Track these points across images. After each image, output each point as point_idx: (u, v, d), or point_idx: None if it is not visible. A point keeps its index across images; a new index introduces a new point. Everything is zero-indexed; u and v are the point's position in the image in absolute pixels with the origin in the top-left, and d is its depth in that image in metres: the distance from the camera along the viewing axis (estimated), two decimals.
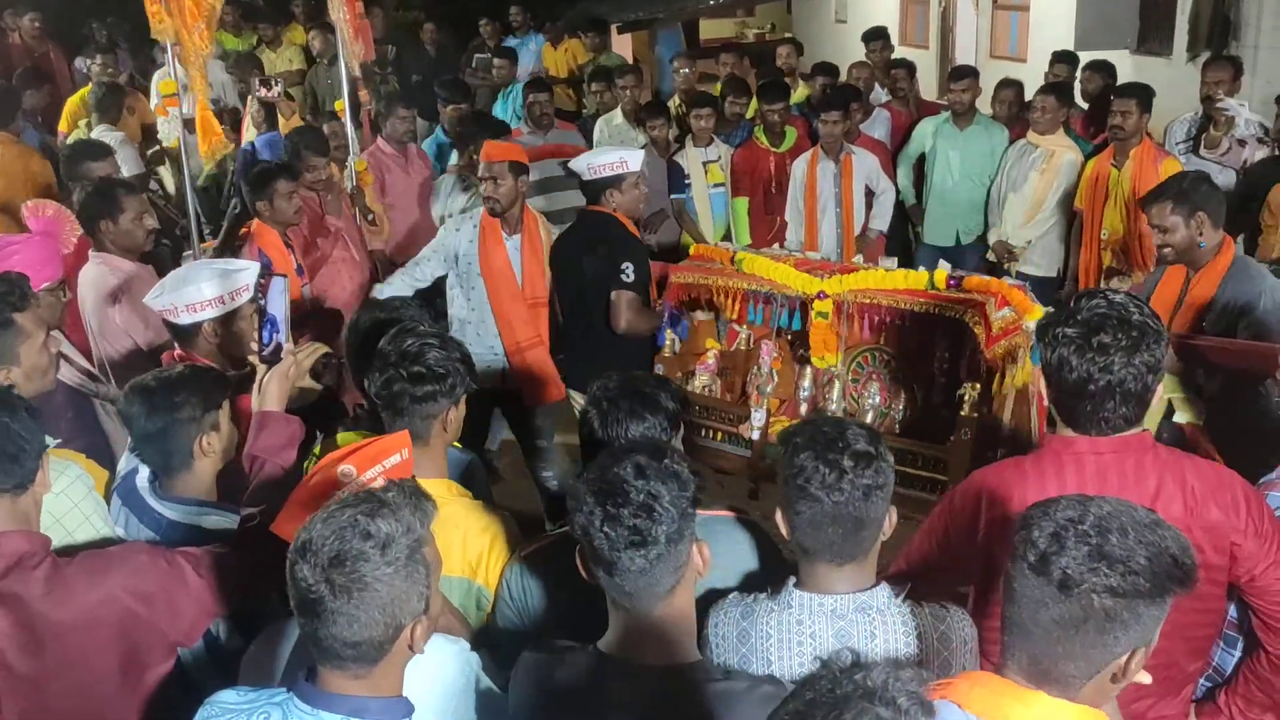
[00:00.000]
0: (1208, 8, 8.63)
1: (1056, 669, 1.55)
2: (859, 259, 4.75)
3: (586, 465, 1.89)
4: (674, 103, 7.50)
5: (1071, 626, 1.51)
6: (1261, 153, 5.57)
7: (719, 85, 7.62)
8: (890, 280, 4.06)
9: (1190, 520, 2.05)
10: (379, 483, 1.93)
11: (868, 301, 4.06)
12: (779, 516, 2.04)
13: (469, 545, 2.37)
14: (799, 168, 6.05)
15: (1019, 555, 1.56)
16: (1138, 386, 2.03)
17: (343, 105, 5.72)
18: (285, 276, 2.83)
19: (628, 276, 4.20)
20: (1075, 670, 1.54)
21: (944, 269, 4.08)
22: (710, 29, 16.63)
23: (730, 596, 2.11)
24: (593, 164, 4.33)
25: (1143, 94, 5.43)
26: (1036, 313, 3.62)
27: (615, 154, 4.36)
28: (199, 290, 3.05)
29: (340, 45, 5.66)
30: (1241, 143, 5.62)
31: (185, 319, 3.09)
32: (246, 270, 3.18)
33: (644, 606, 1.80)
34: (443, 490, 2.39)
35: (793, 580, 2.04)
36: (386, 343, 2.47)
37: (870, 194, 6.14)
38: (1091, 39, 9.40)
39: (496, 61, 8.46)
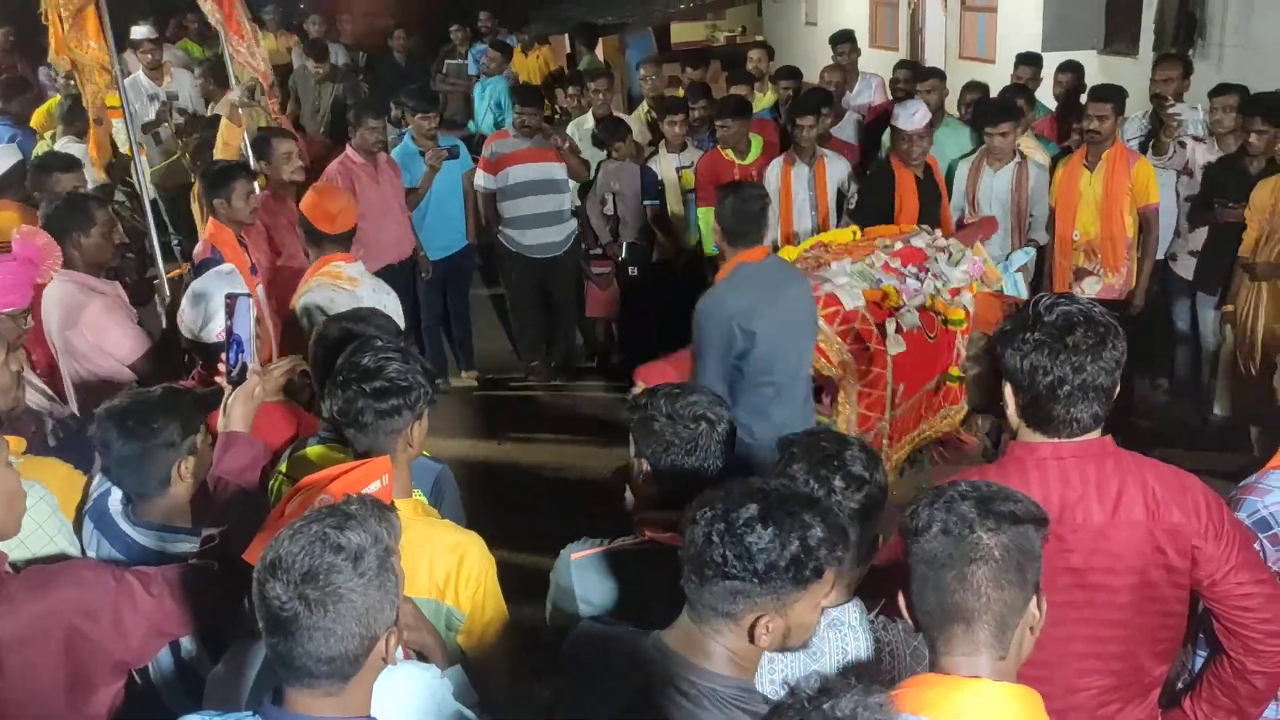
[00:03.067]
0: (1173, 7, 8.71)
1: (991, 629, 1.62)
2: None
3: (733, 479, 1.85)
4: (643, 108, 7.51)
5: (982, 563, 1.60)
6: (1201, 150, 5.66)
7: (680, 90, 7.64)
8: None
9: (1152, 523, 2.07)
10: None
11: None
12: None
13: (436, 566, 2.34)
14: (772, 172, 6.06)
15: (925, 531, 1.63)
16: (1107, 382, 2.07)
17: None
18: (250, 296, 2.81)
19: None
20: (1008, 620, 1.63)
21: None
22: (681, 32, 16.63)
23: None
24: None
25: (1118, 97, 5.49)
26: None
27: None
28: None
29: (225, 49, 5.68)
30: (1182, 144, 5.71)
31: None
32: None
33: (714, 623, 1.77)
34: (408, 510, 2.35)
35: None
36: (345, 359, 2.43)
37: (842, 196, 6.16)
38: (1058, 39, 9.46)
39: (490, 53, 8.46)
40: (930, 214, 5.65)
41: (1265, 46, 8.01)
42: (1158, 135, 5.63)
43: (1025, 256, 5.70)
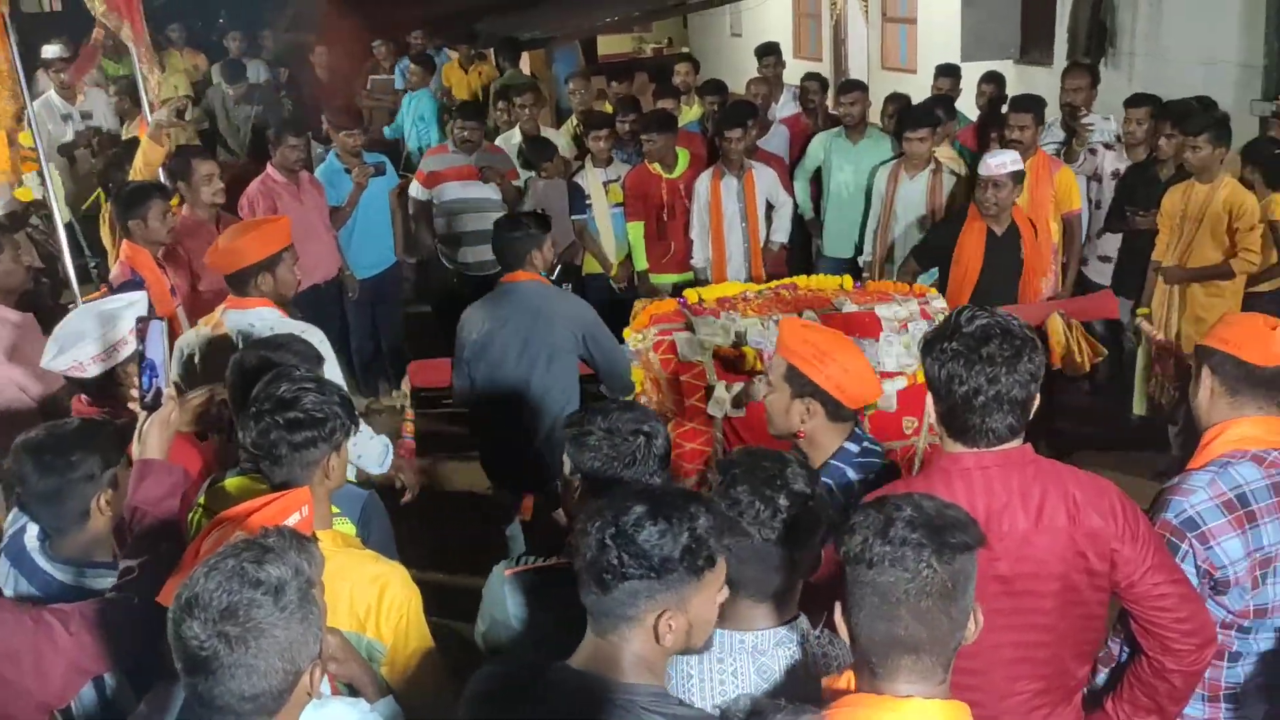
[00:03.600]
0: (1085, 18, 8.96)
1: (938, 656, 1.63)
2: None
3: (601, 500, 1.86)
4: (571, 122, 7.51)
5: (934, 596, 1.60)
6: (1111, 157, 5.83)
7: (607, 104, 7.66)
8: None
9: (1074, 529, 2.11)
10: None
11: None
12: None
13: (356, 598, 2.30)
14: (701, 186, 6.09)
15: (878, 564, 1.61)
16: (1022, 395, 2.10)
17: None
18: (164, 320, 2.74)
19: None
20: (952, 644, 1.64)
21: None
22: (608, 44, 16.69)
23: None
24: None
25: (1038, 107, 5.63)
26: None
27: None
28: (97, 341, 2.94)
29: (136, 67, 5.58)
30: (1092, 151, 5.89)
31: (96, 369, 2.98)
32: (135, 304, 3.08)
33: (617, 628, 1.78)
34: (327, 541, 2.30)
35: None
36: (260, 389, 2.38)
37: (770, 208, 6.21)
38: (976, 50, 9.68)
39: (411, 67, 8.38)
40: (1000, 277, 5.02)
41: (1173, 56, 8.27)
42: (1070, 143, 5.78)
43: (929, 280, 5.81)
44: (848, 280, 4.90)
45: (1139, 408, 5.54)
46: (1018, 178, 5.01)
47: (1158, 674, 2.22)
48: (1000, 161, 4.97)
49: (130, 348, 2.99)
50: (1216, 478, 2.34)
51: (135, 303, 3.08)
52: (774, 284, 4.96)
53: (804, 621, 2.07)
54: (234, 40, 10.60)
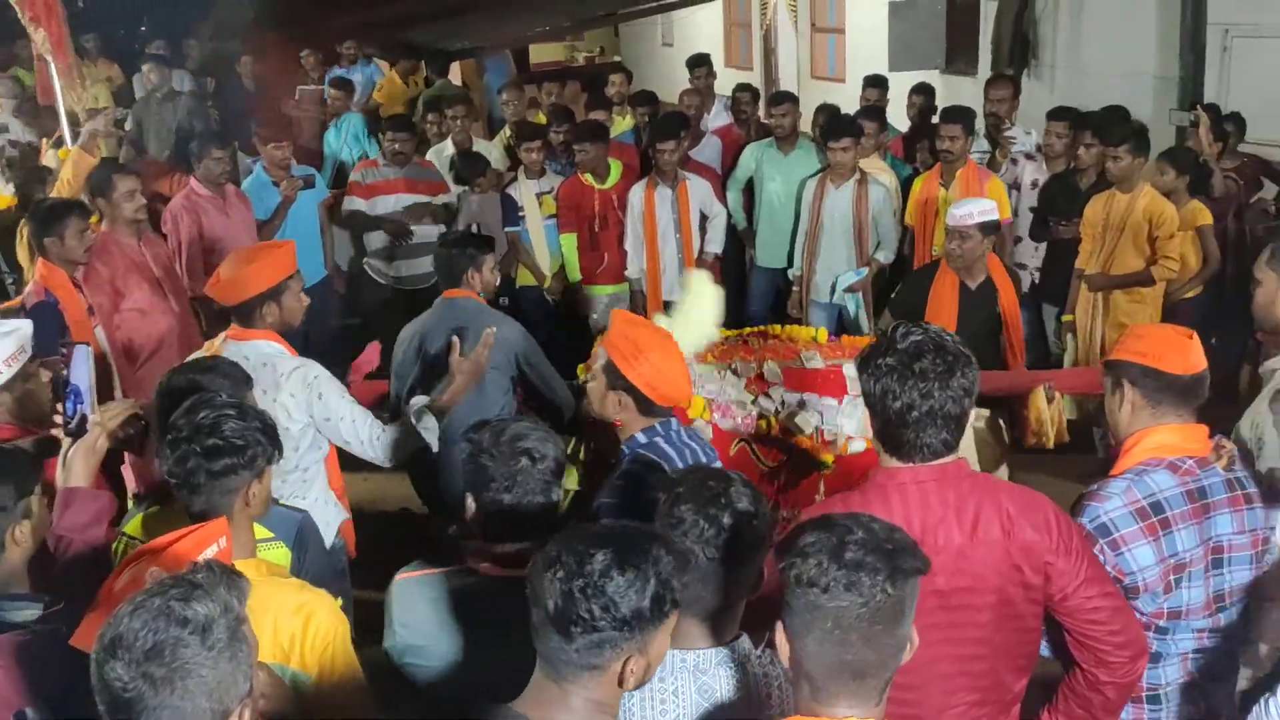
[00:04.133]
0: (1008, 30, 9.16)
1: (881, 679, 1.64)
2: None
3: (564, 531, 1.81)
4: (504, 133, 7.46)
5: (885, 620, 1.60)
6: (1031, 167, 5.96)
7: (540, 114, 7.63)
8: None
9: (1008, 543, 2.14)
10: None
11: None
12: None
13: (280, 628, 2.25)
14: (635, 196, 6.09)
15: (831, 589, 1.60)
16: (956, 410, 2.12)
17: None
18: (89, 345, 2.66)
19: None
20: (894, 666, 1.65)
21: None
22: (540, 53, 16.67)
23: None
24: None
25: (967, 118, 5.73)
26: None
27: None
28: None
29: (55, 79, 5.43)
30: (1014, 161, 6.02)
31: None
32: (14, 333, 2.95)
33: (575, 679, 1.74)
34: (250, 571, 2.24)
35: None
36: (179, 416, 2.33)
37: (705, 218, 6.23)
38: (903, 60, 9.85)
39: (331, 92, 8.24)
40: (978, 334, 4.49)
41: (1093, 68, 8.49)
42: (994, 155, 5.89)
43: (856, 276, 5.89)
44: (822, 333, 4.57)
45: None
46: (987, 229, 4.55)
47: (1092, 686, 2.26)
48: (966, 211, 4.52)
49: (20, 362, 2.89)
50: (1132, 485, 2.39)
51: (16, 329, 2.95)
52: (746, 330, 4.72)
53: (745, 641, 2.06)
54: (158, 49, 10.35)
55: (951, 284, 4.67)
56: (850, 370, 4.02)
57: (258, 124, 6.57)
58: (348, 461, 3.84)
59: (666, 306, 5.61)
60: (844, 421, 3.87)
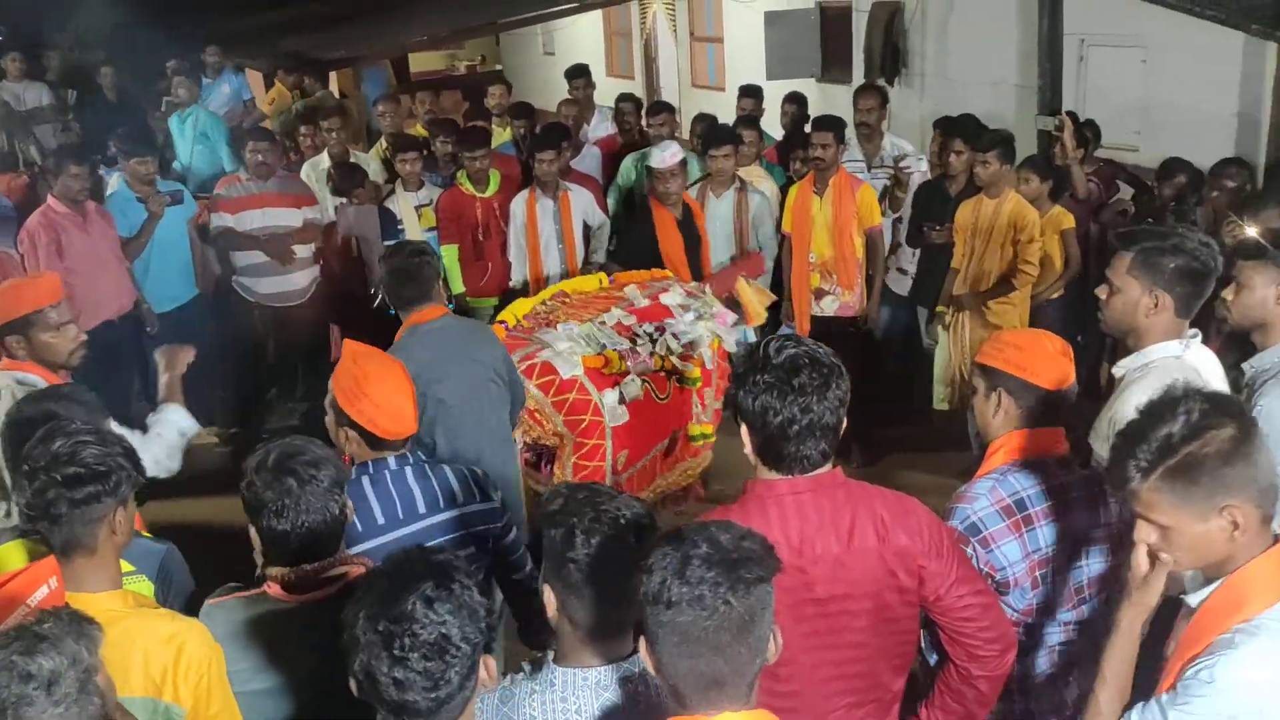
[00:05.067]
0: (878, 40, 9.43)
1: (743, 682, 1.65)
2: None
3: (363, 586, 1.73)
4: (380, 145, 7.34)
5: (732, 630, 1.61)
6: (918, 177, 6.14)
7: (419, 126, 7.54)
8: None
9: (883, 548, 2.18)
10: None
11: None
12: (545, 591, 1.99)
13: (151, 661, 2.16)
14: (518, 207, 6.05)
15: (675, 605, 1.61)
16: (834, 420, 2.15)
17: None
18: None
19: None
20: (755, 668, 1.66)
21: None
22: (420, 62, 16.49)
23: None
24: None
25: (838, 127, 5.84)
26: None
27: None
28: None
29: None
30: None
31: None
32: None
33: None
34: (117, 603, 2.19)
35: (551, 655, 1.99)
36: (34, 446, 2.23)
37: (588, 228, 6.23)
38: (780, 69, 10.04)
39: (176, 80, 7.94)
40: (692, 256, 5.69)
41: (960, 77, 8.79)
42: (893, 191, 6.02)
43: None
44: (602, 277, 5.42)
45: (940, 403, 5.83)
46: (684, 165, 5.66)
47: (965, 680, 2.32)
48: (671, 154, 5.56)
49: None
50: (997, 484, 2.47)
51: None
52: (545, 294, 5.21)
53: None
54: (13, 62, 9.87)
55: (669, 220, 5.67)
56: (667, 296, 5.12)
57: (120, 137, 6.30)
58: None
59: None
60: (692, 330, 4.95)
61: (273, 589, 2.25)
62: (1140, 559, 1.98)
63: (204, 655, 2.21)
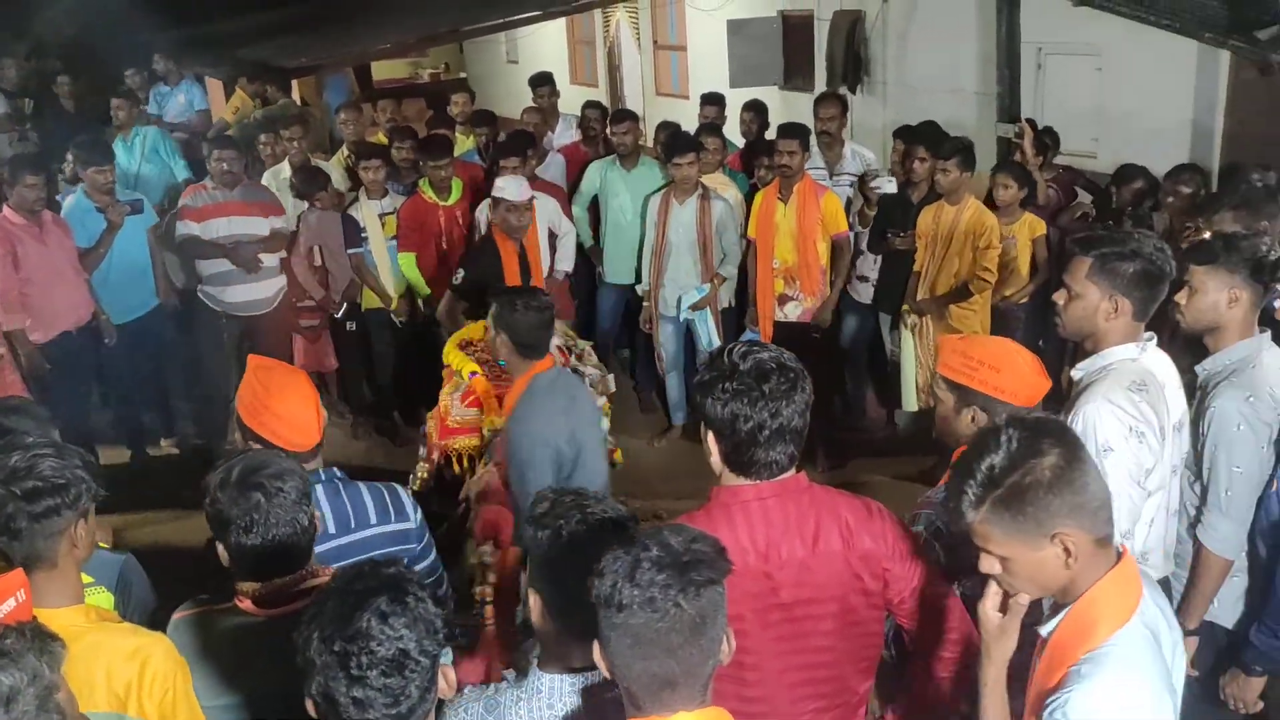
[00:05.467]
0: (840, 49, 9.50)
1: (696, 684, 1.66)
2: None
3: (313, 606, 1.69)
4: (342, 153, 7.30)
5: (684, 632, 1.62)
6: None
7: (381, 134, 7.50)
8: None
9: (848, 552, 2.20)
10: None
11: None
12: (531, 596, 1.99)
13: (114, 676, 2.14)
14: (482, 215, 6.04)
15: (627, 607, 1.62)
16: (800, 424, 2.17)
17: None
18: None
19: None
20: (708, 669, 1.67)
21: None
22: (383, 70, 16.42)
23: (467, 690, 2.02)
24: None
25: (804, 134, 5.89)
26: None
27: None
28: None
29: None
30: (853, 184, 6.26)
31: None
32: None
33: None
34: (79, 618, 2.17)
35: (535, 662, 1.99)
36: None
37: (554, 236, 6.23)
38: (744, 77, 10.09)
39: (114, 102, 7.83)
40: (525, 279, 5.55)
41: (921, 85, 8.88)
42: (863, 210, 6.07)
43: (699, 294, 6.02)
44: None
45: (909, 404, 5.87)
46: (531, 203, 5.52)
47: (931, 680, 2.34)
48: (523, 189, 5.40)
49: None
50: None
51: None
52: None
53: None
54: None
55: (512, 250, 5.47)
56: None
57: (79, 147, 6.22)
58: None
59: None
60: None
61: (243, 603, 2.24)
62: (989, 613, 1.97)
63: (169, 670, 2.19)
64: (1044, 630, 1.91)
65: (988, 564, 1.88)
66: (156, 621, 2.51)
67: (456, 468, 4.68)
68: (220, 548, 2.25)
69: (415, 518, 2.85)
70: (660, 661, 1.63)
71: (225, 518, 2.19)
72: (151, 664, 2.18)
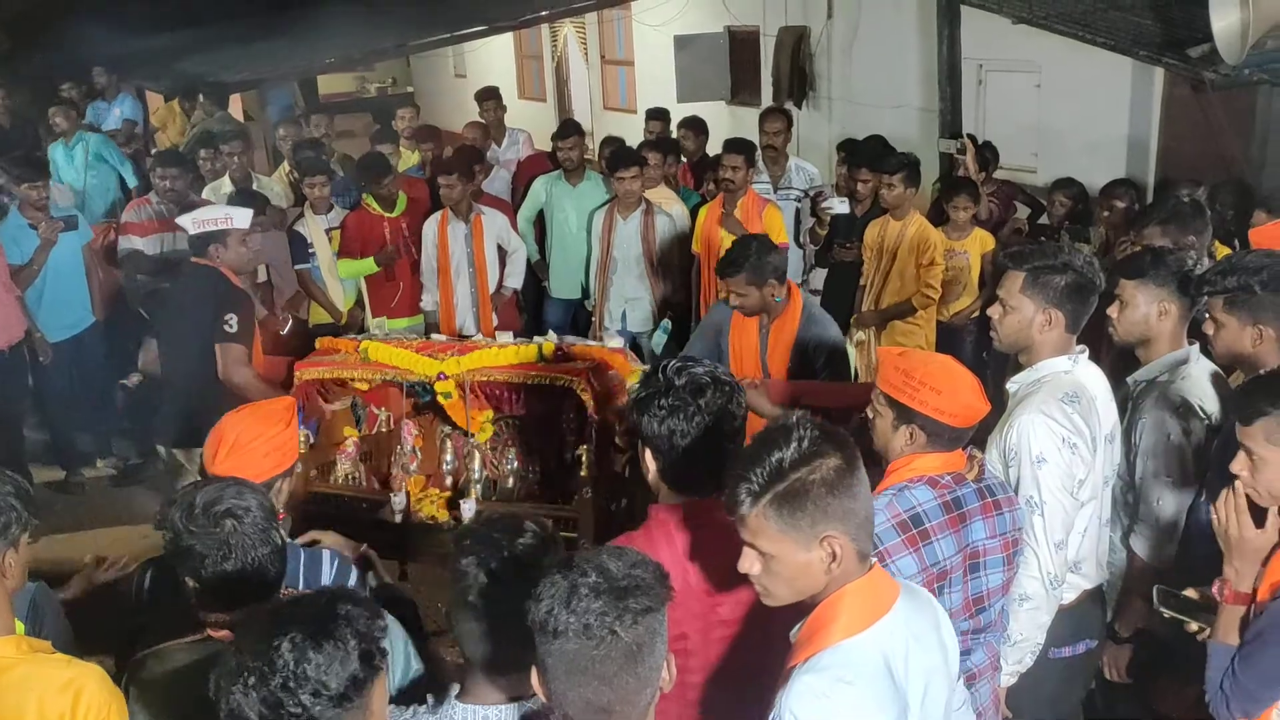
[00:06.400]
0: (786, 64, 9.59)
1: (634, 712, 1.63)
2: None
3: (236, 631, 1.69)
4: (283, 167, 7.22)
5: (620, 660, 1.59)
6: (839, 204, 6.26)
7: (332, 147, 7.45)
8: (503, 356, 4.14)
9: None
10: None
11: (485, 379, 4.13)
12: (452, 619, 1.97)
13: (47, 708, 2.09)
14: (429, 230, 6.02)
15: (563, 634, 1.58)
16: (739, 437, 2.16)
17: None
18: None
19: (230, 328, 4.24)
20: (646, 697, 1.64)
21: (552, 340, 4.23)
22: (330, 83, 16.27)
23: (389, 710, 1.99)
24: (198, 218, 4.48)
25: (748, 149, 5.91)
26: (636, 374, 3.87)
27: (221, 210, 4.58)
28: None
29: None
30: (799, 200, 6.30)
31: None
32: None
33: None
34: (10, 649, 2.12)
35: (455, 690, 1.96)
36: None
37: (503, 252, 6.20)
38: (691, 92, 10.15)
39: (53, 111, 7.69)
40: None
41: (865, 100, 8.97)
42: (814, 228, 6.10)
43: (664, 334, 6.01)
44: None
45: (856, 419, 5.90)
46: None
47: None
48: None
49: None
50: (894, 500, 2.47)
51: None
52: None
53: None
54: None
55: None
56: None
57: (10, 162, 6.08)
58: None
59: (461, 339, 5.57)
60: None
61: (218, 633, 2.17)
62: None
63: (103, 700, 2.15)
64: (792, 635, 1.90)
65: (748, 562, 1.85)
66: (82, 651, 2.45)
67: None
68: (190, 583, 2.18)
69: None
70: (595, 689, 1.60)
71: (198, 551, 2.12)
72: (85, 695, 2.13)
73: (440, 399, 4.15)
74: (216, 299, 4.26)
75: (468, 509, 4.02)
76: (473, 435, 4.22)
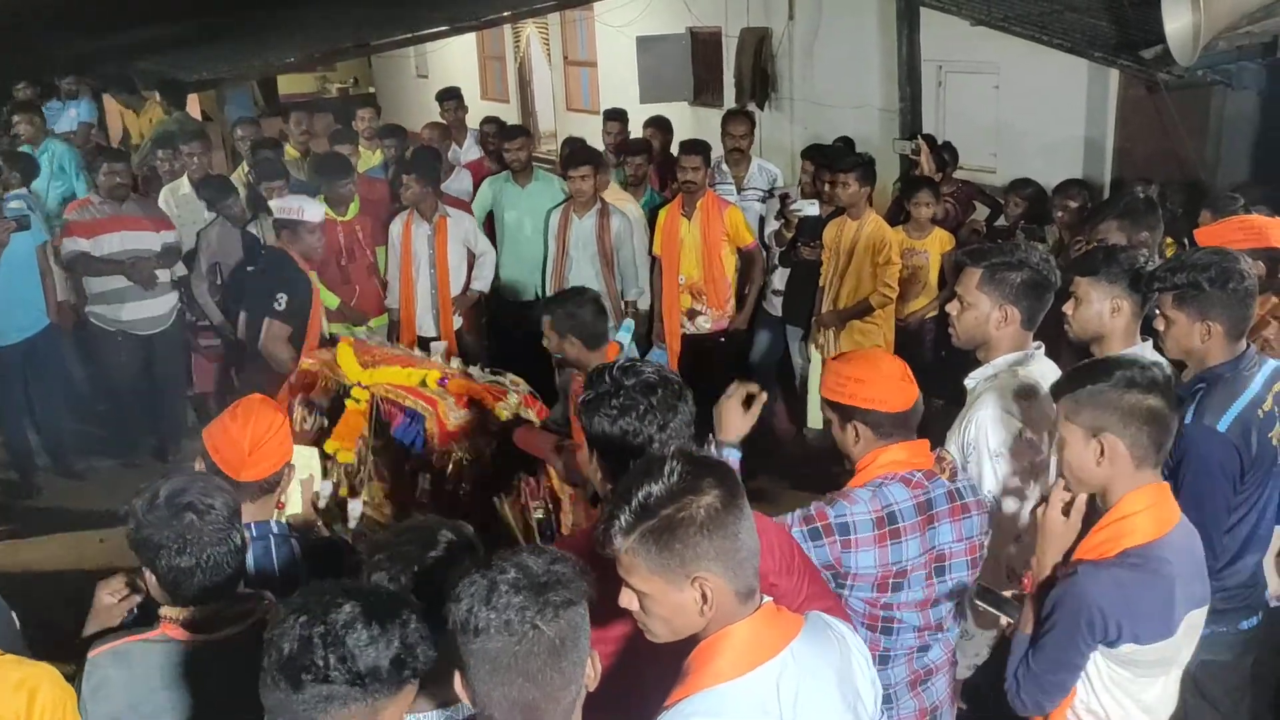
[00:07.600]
0: (748, 66, 9.62)
1: (559, 709, 1.62)
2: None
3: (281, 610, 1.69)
4: (242, 169, 7.14)
5: (543, 655, 1.58)
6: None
7: (291, 147, 7.37)
8: (404, 376, 4.29)
9: None
10: None
11: (384, 395, 4.26)
12: None
13: (2, 710, 2.07)
14: (395, 229, 5.99)
15: (483, 632, 1.57)
16: (688, 433, 2.18)
17: None
18: None
19: (279, 305, 4.76)
20: (570, 695, 1.63)
21: (438, 369, 4.40)
22: (290, 84, 16.14)
23: None
24: (278, 206, 5.10)
25: (705, 150, 5.91)
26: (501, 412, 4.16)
27: (295, 201, 5.08)
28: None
29: None
30: (763, 199, 6.33)
31: None
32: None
33: None
34: None
35: None
36: None
37: (471, 255, 6.16)
38: (654, 93, 10.17)
39: (16, 118, 7.57)
40: None
41: (827, 101, 9.02)
42: (780, 230, 6.12)
43: (626, 332, 5.98)
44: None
45: (814, 421, 5.93)
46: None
47: None
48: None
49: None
50: (875, 494, 2.50)
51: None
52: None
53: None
54: None
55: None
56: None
57: None
58: None
59: (421, 343, 5.52)
60: None
61: (172, 629, 2.15)
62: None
63: (57, 699, 2.13)
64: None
65: (626, 599, 1.76)
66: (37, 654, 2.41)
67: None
68: (147, 574, 2.16)
69: None
70: (520, 687, 1.58)
71: (155, 541, 2.11)
72: (40, 695, 2.11)
73: (349, 403, 4.29)
74: (278, 278, 4.81)
75: (354, 509, 4.11)
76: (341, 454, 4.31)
